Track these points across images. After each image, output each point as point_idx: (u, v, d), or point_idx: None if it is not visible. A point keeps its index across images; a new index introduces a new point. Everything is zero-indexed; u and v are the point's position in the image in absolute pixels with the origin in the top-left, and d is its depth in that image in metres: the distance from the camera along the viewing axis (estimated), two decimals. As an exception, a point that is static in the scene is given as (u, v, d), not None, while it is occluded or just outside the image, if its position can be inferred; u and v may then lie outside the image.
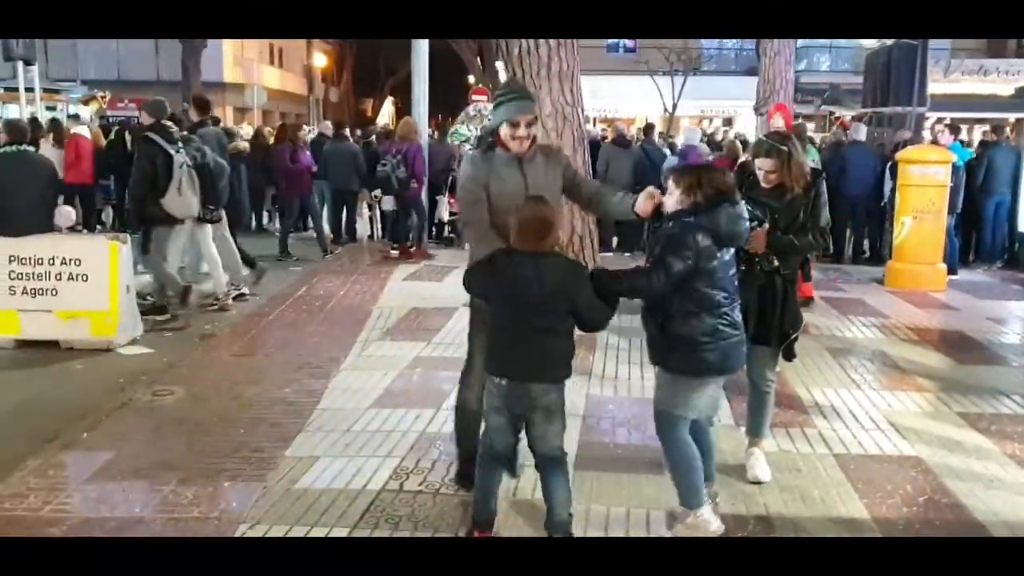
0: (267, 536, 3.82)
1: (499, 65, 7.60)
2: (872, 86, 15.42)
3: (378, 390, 5.79)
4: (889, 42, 14.56)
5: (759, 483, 4.40)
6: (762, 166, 4.30)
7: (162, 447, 4.81)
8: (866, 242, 11.81)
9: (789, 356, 4.54)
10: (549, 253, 3.59)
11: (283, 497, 4.19)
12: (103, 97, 20.00)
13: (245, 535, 3.80)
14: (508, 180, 3.93)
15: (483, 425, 3.79)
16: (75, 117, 15.65)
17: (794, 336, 4.44)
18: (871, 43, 17.02)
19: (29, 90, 14.15)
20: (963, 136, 19.99)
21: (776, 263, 4.33)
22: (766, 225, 4.27)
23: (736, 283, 3.81)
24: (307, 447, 4.81)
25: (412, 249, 11.43)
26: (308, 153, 12.50)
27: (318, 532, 3.85)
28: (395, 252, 11.38)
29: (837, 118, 18.92)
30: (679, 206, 3.70)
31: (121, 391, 5.83)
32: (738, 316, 3.79)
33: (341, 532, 3.86)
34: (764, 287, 4.34)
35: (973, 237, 11.85)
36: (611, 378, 6.10)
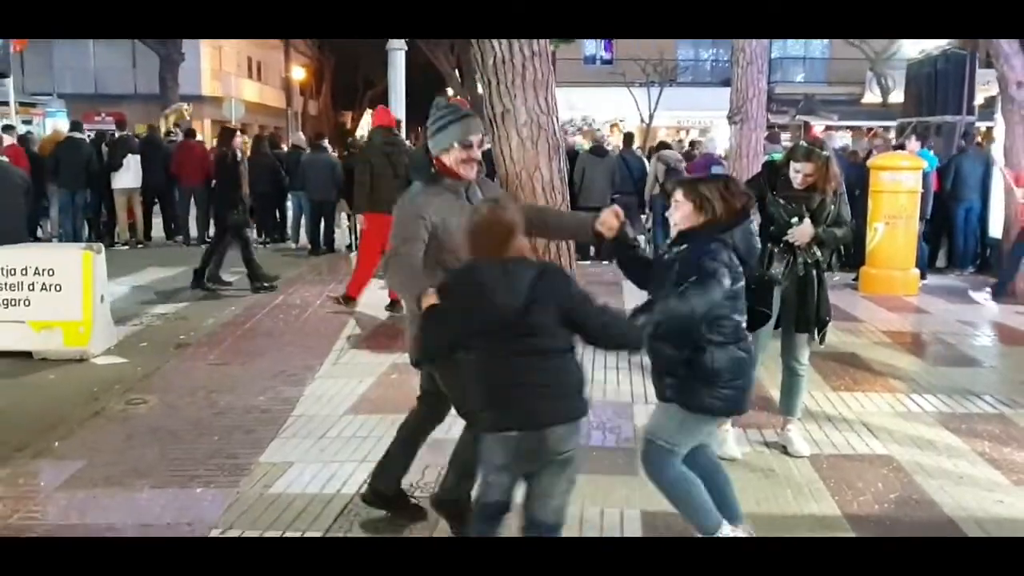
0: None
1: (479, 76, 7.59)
2: (916, 96, 15.03)
3: (354, 396, 5.78)
4: (934, 52, 14.31)
5: (800, 457, 4.77)
6: (801, 169, 4.53)
7: (134, 455, 4.78)
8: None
9: (822, 340, 4.85)
10: (517, 258, 3.00)
11: (256, 502, 4.17)
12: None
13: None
14: (455, 214, 3.47)
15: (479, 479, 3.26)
16: (7, 128, 14.18)
17: (829, 321, 4.78)
18: (911, 53, 16.87)
19: (3, 103, 14.10)
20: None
21: (819, 255, 4.65)
22: (807, 220, 4.53)
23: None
24: (281, 453, 4.80)
25: None
26: None
27: (291, 535, 3.84)
28: None
29: (809, 128, 19.06)
30: (689, 223, 3.41)
31: (94, 400, 5.79)
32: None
33: (314, 535, 3.84)
34: (803, 278, 4.65)
35: (945, 243, 11.98)
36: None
